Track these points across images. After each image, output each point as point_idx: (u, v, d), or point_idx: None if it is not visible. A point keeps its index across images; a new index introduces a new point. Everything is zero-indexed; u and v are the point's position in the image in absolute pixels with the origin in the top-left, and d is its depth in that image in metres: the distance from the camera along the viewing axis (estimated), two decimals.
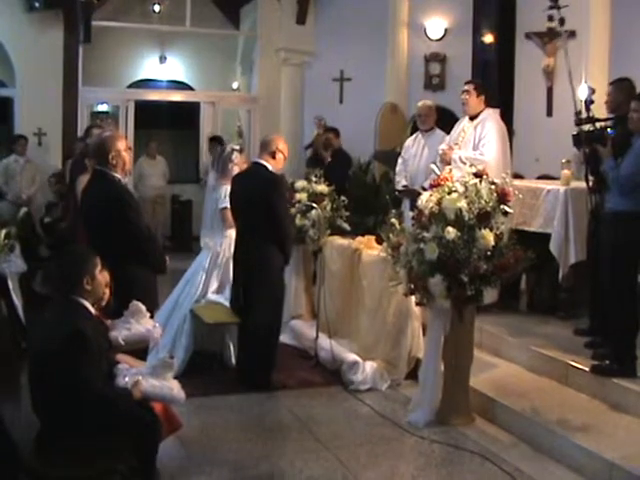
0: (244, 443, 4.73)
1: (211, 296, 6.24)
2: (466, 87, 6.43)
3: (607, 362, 4.96)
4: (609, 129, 5.34)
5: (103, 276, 3.80)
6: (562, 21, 6.20)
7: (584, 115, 5.55)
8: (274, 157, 5.70)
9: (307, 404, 5.41)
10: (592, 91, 5.61)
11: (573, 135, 5.67)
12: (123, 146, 4.67)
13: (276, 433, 4.98)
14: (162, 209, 12.50)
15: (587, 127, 5.57)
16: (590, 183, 5.49)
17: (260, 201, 5.56)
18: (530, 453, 4.59)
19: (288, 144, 5.40)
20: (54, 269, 3.84)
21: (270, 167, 5.68)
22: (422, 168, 7.04)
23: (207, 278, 6.32)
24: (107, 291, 3.84)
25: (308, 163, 9.46)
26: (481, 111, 6.38)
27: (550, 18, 6.26)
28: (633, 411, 4.68)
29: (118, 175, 4.63)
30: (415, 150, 7.32)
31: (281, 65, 12.12)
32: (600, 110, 5.67)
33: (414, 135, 7.57)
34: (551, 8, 6.18)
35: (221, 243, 6.21)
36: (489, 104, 6.47)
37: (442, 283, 4.66)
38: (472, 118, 6.41)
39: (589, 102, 5.58)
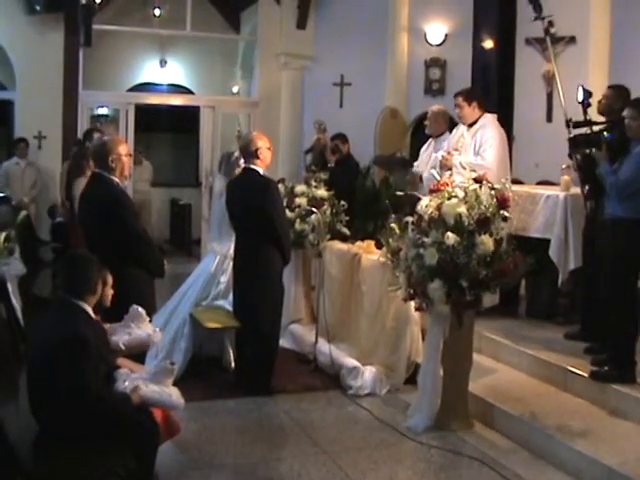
0: (243, 447, 4.73)
1: (215, 301, 6.25)
2: (455, 102, 6.38)
3: (606, 368, 4.96)
4: (606, 132, 5.35)
5: (107, 279, 3.85)
6: (547, 31, 6.22)
7: (581, 118, 5.56)
8: (258, 157, 5.69)
9: (306, 408, 5.41)
10: (589, 94, 5.61)
11: (569, 139, 5.67)
12: (124, 151, 4.69)
13: (275, 437, 4.98)
14: (147, 213, 12.45)
15: (584, 130, 5.59)
16: (585, 189, 5.50)
17: (254, 206, 5.57)
18: (529, 458, 4.59)
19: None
20: (60, 274, 3.85)
21: (260, 170, 5.68)
22: (426, 173, 6.95)
23: (210, 282, 6.33)
24: (110, 293, 3.89)
25: (309, 167, 9.45)
26: (479, 117, 6.36)
27: (550, 24, 6.27)
28: (632, 417, 4.68)
29: (116, 179, 4.65)
30: (426, 156, 7.25)
31: (281, 69, 12.12)
32: (596, 114, 5.68)
33: (428, 141, 7.48)
34: (536, 19, 6.22)
35: (229, 248, 6.18)
36: (485, 108, 6.43)
37: (442, 288, 4.66)
38: (470, 125, 6.39)
39: (586, 105, 5.58)
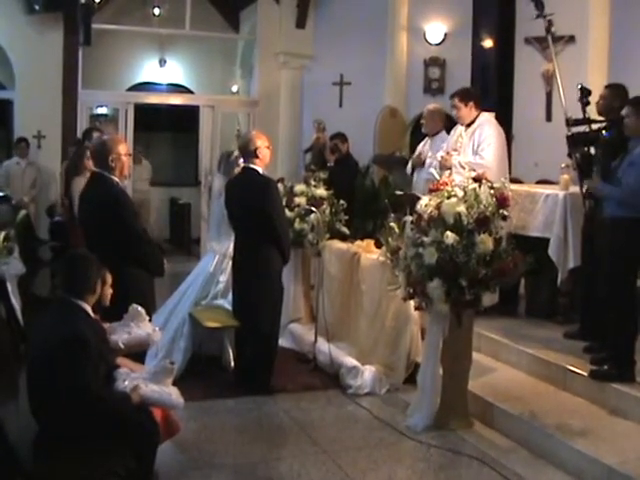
0: (242, 447, 4.73)
1: (215, 300, 6.25)
2: (452, 103, 6.38)
3: (605, 367, 4.96)
4: (604, 131, 5.34)
5: (107, 279, 3.85)
6: (548, 29, 6.22)
7: (580, 116, 5.57)
8: (258, 156, 5.68)
9: (305, 408, 5.41)
10: (588, 92, 5.61)
11: (568, 137, 5.67)
12: (124, 150, 4.70)
13: (274, 437, 4.98)
14: (146, 212, 12.45)
15: (583, 128, 5.59)
16: (584, 188, 5.51)
17: (254, 205, 5.57)
18: (528, 458, 4.59)
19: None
20: (59, 273, 3.85)
21: (260, 169, 5.68)
22: (423, 172, 6.95)
23: (209, 282, 6.33)
24: (109, 292, 3.89)
25: (309, 166, 9.46)
26: (476, 117, 6.35)
27: (550, 22, 6.27)
28: (631, 416, 4.69)
29: (116, 178, 4.65)
30: (424, 155, 7.23)
31: (281, 69, 12.12)
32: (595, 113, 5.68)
33: (425, 139, 7.48)
34: (537, 17, 6.22)
35: (228, 247, 6.19)
36: (483, 107, 6.43)
37: (441, 287, 4.66)
38: (468, 125, 6.38)
39: (585, 103, 5.59)
